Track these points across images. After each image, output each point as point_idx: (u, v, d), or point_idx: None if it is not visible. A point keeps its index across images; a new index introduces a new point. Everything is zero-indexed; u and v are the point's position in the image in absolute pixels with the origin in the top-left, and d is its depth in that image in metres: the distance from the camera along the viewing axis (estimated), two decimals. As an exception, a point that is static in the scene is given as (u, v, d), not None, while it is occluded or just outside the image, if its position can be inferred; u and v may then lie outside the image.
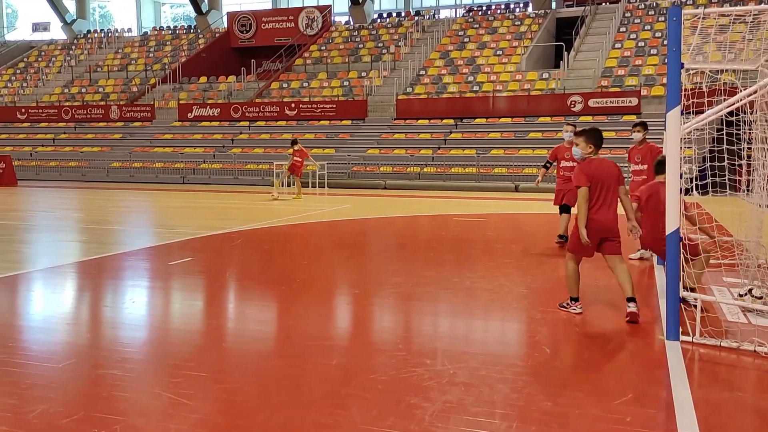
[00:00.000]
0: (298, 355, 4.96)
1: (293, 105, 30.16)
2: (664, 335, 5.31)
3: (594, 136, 6.01)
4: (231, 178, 26.45)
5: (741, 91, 5.46)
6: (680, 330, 5.19)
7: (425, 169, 24.61)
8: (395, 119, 28.43)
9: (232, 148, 28.73)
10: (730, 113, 5.94)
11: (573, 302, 6.11)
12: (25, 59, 42.63)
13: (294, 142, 19.64)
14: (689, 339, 5.15)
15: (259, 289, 7.46)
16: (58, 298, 7.15)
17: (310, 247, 10.90)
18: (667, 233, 5.23)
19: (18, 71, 41.23)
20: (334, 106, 29.61)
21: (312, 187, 22.27)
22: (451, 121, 27.49)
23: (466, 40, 33.00)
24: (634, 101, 25.04)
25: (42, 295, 7.32)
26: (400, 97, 28.89)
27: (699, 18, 5.35)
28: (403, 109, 28.36)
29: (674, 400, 4.07)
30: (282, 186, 20.65)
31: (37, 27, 46.93)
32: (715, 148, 9.52)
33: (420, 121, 27.92)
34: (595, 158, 6.00)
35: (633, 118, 24.76)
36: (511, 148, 24.81)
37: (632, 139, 9.44)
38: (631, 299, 5.78)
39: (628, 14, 31.99)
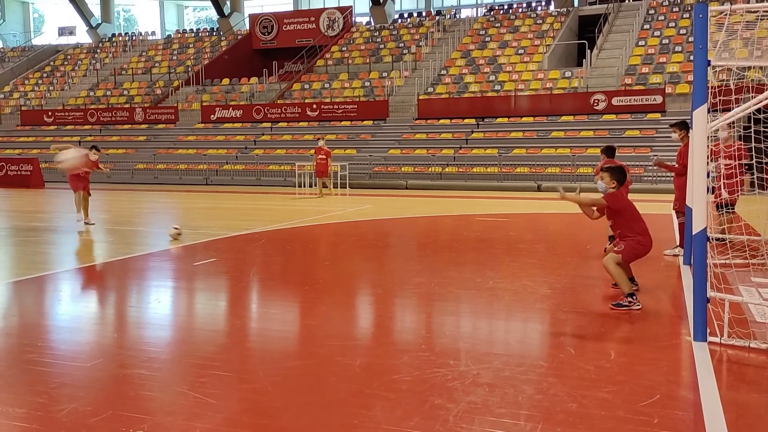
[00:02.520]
0: (322, 355, 4.97)
1: (315, 106, 30.28)
2: (691, 336, 5.25)
3: (620, 173, 6.51)
4: (254, 179, 26.62)
5: (769, 88, 5.37)
6: (708, 331, 5.13)
7: (447, 169, 24.57)
8: (416, 119, 28.42)
9: (255, 149, 28.92)
10: (758, 110, 5.85)
11: (634, 297, 6.27)
12: (52, 63, 43.29)
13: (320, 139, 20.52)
14: (717, 340, 5.08)
15: (282, 290, 7.50)
16: (84, 299, 7.24)
17: (333, 248, 10.93)
18: (694, 233, 5.16)
19: (45, 75, 41.88)
20: (356, 106, 29.67)
21: (333, 187, 22.34)
22: (473, 121, 27.41)
23: (488, 39, 32.88)
24: (659, 99, 24.77)
25: (69, 296, 7.42)
26: (421, 97, 28.86)
27: (725, 14, 5.28)
28: (424, 109, 28.34)
29: (702, 401, 4.02)
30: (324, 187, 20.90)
31: (63, 31, 47.68)
32: (743, 146, 9.39)
33: (441, 121, 27.88)
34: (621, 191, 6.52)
35: (657, 116, 24.55)
36: (534, 147, 24.68)
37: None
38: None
39: (651, 11, 31.65)
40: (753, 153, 6.12)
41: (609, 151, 11.67)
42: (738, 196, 9.20)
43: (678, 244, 9.13)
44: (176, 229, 10.87)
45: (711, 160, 9.58)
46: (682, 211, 8.92)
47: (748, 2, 29.88)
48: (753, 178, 8.88)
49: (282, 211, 16.17)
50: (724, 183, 9.12)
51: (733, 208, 9.50)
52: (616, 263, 6.31)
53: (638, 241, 6.34)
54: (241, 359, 4.99)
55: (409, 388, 4.27)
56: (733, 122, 8.78)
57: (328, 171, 20.59)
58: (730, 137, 9.42)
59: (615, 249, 6.39)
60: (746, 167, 9.10)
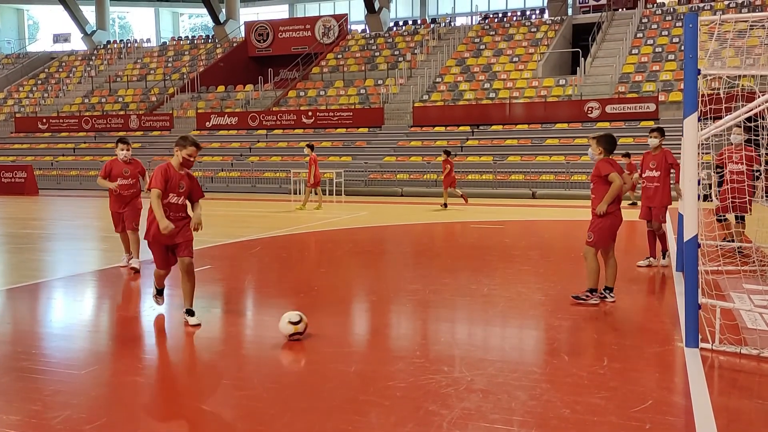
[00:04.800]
0: (317, 362, 4.99)
1: (310, 113, 30.33)
2: (683, 342, 5.28)
3: (605, 141, 6.81)
4: (249, 186, 26.62)
5: (759, 96, 5.43)
6: (699, 337, 5.16)
7: (442, 176, 24.59)
8: (412, 126, 28.49)
9: (250, 156, 28.93)
10: (749, 119, 5.91)
11: (593, 293, 6.70)
12: (46, 70, 43.27)
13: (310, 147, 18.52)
14: (708, 346, 5.12)
15: (277, 297, 7.51)
16: (78, 306, 7.24)
17: (328, 255, 10.94)
18: (685, 240, 5.21)
19: (39, 82, 41.85)
20: (351, 113, 29.73)
21: (329, 194, 22.35)
22: (468, 128, 27.50)
23: (482, 47, 33.02)
24: (652, 107, 24.91)
25: (63, 303, 7.41)
26: (416, 105, 28.95)
27: (716, 24, 5.35)
28: (419, 117, 28.41)
29: (694, 407, 4.05)
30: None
31: (57, 38, 47.68)
32: (734, 154, 9.45)
33: (436, 129, 27.95)
34: (611, 158, 6.82)
35: (651, 123, 24.63)
36: (528, 154, 24.76)
37: (649, 144, 9.25)
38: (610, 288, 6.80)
39: (645, 20, 31.85)
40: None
41: (447, 154, 17.74)
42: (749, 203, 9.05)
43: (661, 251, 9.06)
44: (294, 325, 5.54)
45: (721, 166, 9.54)
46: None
47: (740, 12, 29.95)
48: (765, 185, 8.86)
49: (277, 218, 16.18)
50: (732, 189, 8.85)
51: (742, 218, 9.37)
52: (594, 255, 6.70)
53: (606, 219, 6.63)
54: (236, 366, 5.00)
55: (403, 395, 4.29)
56: (743, 128, 8.77)
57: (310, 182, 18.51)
58: (741, 142, 9.29)
59: (587, 241, 6.71)
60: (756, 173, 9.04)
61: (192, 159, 6.17)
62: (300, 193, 23.00)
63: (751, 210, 9.07)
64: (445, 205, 18.36)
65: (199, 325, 6.04)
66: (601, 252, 6.83)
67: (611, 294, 6.79)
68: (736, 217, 9.33)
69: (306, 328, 5.52)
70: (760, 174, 9.06)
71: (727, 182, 9.06)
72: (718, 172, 9.69)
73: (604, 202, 6.62)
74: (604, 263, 6.84)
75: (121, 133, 33.64)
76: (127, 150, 8.72)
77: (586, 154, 25.35)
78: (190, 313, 6.16)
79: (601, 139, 6.82)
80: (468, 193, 23.34)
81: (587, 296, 6.68)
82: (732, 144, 9.48)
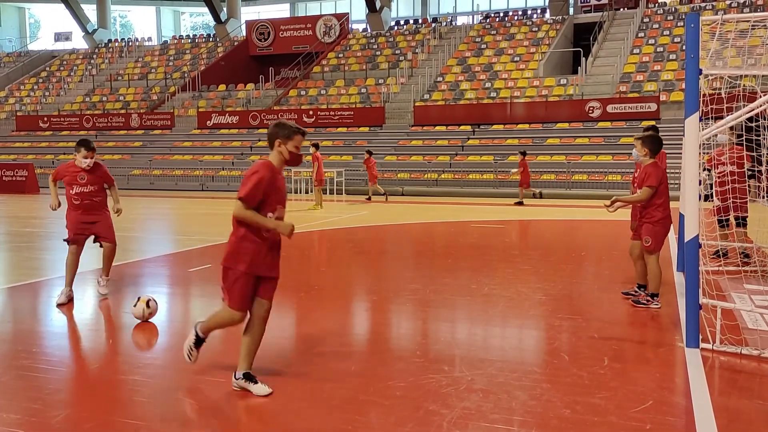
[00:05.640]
0: (317, 361, 4.99)
1: (311, 112, 30.33)
2: (683, 342, 5.28)
3: (651, 142, 6.56)
4: (249, 185, 26.60)
5: (761, 96, 5.42)
6: (700, 337, 5.16)
7: (443, 176, 24.62)
8: (413, 126, 28.48)
9: (251, 155, 28.92)
10: (750, 119, 5.90)
11: (655, 297, 6.56)
12: (48, 68, 43.27)
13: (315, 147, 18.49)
14: (709, 346, 5.12)
15: (277, 296, 7.48)
16: (79, 305, 7.23)
17: (328, 254, 10.94)
18: (686, 240, 5.20)
19: (40, 80, 41.86)
20: (352, 113, 29.72)
21: (330, 194, 22.35)
22: (469, 128, 27.48)
23: (484, 46, 33.00)
24: (653, 107, 24.89)
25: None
26: (417, 104, 28.93)
27: (718, 23, 5.34)
28: (420, 116, 28.40)
29: (694, 407, 4.05)
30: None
31: (59, 37, 47.72)
32: (735, 154, 9.43)
33: (437, 128, 27.94)
34: (657, 161, 6.53)
35: (652, 123, 24.65)
36: (529, 154, 24.69)
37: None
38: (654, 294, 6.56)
39: (646, 19, 31.83)
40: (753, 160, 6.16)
41: (369, 153, 19.45)
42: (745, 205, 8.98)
43: None
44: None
45: (710, 168, 9.47)
46: None
47: (741, 12, 29.95)
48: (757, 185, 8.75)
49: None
50: (726, 191, 8.79)
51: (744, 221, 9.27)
52: (656, 260, 6.53)
53: (658, 222, 6.47)
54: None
55: (403, 394, 4.29)
56: (732, 128, 8.69)
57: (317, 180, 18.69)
58: (731, 142, 9.20)
59: (646, 246, 6.52)
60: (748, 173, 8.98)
61: (300, 150, 4.50)
62: (301, 193, 23.04)
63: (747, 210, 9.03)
64: (369, 198, 21.01)
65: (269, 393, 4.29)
66: (631, 248, 6.81)
67: (656, 298, 6.60)
68: (736, 219, 9.30)
69: (144, 312, 6.13)
70: (754, 173, 9.00)
71: (723, 184, 9.00)
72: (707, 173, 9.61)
73: (623, 199, 6.52)
74: (634, 261, 6.85)
75: (122, 132, 33.64)
76: (90, 158, 7.00)
77: (588, 154, 25.23)
78: (250, 378, 4.32)
79: (646, 140, 6.58)
80: (468, 193, 23.43)
81: (648, 300, 6.54)
82: (719, 145, 9.42)
